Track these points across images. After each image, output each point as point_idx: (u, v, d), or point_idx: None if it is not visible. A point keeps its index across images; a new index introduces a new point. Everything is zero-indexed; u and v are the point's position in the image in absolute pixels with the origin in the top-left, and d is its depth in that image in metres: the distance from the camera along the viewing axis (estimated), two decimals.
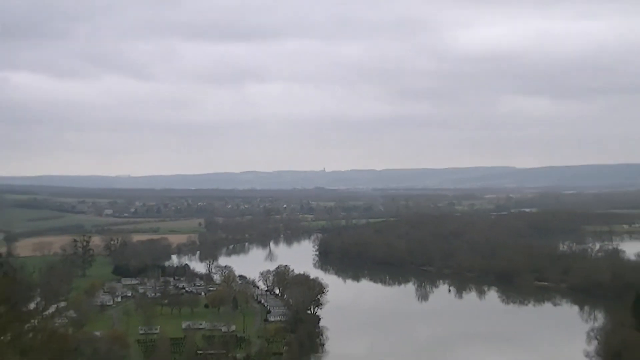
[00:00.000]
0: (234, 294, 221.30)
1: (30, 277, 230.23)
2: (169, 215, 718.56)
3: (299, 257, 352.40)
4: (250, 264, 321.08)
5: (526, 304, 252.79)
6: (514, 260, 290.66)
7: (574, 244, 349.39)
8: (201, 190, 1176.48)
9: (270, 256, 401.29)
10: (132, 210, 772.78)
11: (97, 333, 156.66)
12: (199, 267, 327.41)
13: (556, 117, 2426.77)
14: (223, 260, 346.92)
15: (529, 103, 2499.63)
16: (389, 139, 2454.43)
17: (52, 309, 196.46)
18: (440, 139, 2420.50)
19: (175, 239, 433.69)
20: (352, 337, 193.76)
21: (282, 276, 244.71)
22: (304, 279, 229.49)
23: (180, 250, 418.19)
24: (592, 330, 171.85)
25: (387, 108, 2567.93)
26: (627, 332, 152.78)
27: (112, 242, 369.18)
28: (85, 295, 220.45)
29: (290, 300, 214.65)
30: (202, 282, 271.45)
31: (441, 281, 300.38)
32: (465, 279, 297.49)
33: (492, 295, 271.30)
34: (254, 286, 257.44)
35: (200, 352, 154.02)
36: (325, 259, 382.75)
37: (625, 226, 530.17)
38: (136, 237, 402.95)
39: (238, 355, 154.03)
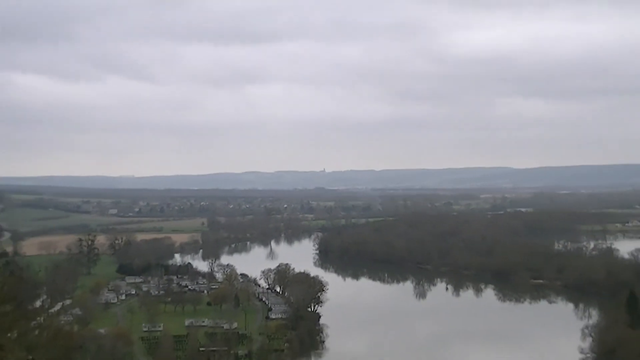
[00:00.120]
0: (235, 292, 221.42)
1: (36, 275, 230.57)
2: (172, 215, 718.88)
3: (300, 256, 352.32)
4: (252, 263, 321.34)
5: (522, 302, 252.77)
6: (510, 259, 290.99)
7: (569, 242, 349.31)
8: (203, 190, 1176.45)
9: (271, 255, 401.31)
10: (136, 210, 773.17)
11: (102, 330, 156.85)
12: (202, 265, 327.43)
13: (553, 118, 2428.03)
14: (225, 259, 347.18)
15: (526, 104, 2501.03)
16: (388, 140, 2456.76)
17: (57, 306, 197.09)
18: (438, 140, 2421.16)
19: (178, 238, 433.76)
20: (351, 334, 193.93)
21: (283, 274, 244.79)
22: (304, 277, 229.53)
23: (183, 249, 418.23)
24: (587, 327, 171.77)
25: (386, 109, 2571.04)
26: (621, 329, 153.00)
27: (116, 242, 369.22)
28: (90, 294, 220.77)
29: (291, 298, 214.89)
30: (204, 281, 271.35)
31: (439, 279, 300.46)
32: (462, 277, 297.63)
33: (489, 293, 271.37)
34: (255, 284, 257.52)
35: (203, 349, 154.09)
36: (325, 258, 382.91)
37: (619, 225, 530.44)
38: (140, 237, 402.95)
39: (240, 352, 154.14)
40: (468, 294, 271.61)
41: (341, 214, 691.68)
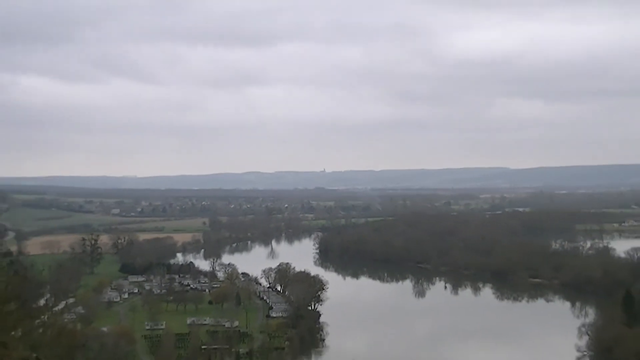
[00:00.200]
0: (237, 291, 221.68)
1: (40, 274, 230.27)
2: (174, 215, 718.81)
3: (300, 255, 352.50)
4: (253, 262, 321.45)
5: (520, 300, 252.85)
6: (508, 258, 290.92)
7: (566, 242, 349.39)
8: (205, 190, 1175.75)
9: (272, 254, 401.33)
10: (139, 209, 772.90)
11: (105, 329, 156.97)
12: (203, 264, 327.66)
13: (552, 119, 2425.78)
14: (226, 258, 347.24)
15: (523, 106, 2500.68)
16: (387, 141, 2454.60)
17: (61, 305, 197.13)
18: (437, 140, 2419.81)
19: (180, 238, 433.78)
20: (351, 332, 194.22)
21: (283, 273, 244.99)
22: (304, 276, 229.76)
23: (185, 249, 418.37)
24: (584, 325, 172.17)
25: (385, 110, 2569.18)
26: (618, 327, 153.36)
27: (119, 241, 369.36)
28: (93, 292, 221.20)
29: (292, 297, 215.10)
30: (206, 280, 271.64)
31: (438, 278, 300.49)
32: (461, 276, 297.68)
33: (487, 291, 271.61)
34: (256, 283, 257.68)
35: (205, 347, 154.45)
36: (325, 257, 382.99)
37: (616, 225, 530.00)
38: (142, 236, 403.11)
39: (241, 350, 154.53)
40: (467, 292, 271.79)
41: (341, 213, 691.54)
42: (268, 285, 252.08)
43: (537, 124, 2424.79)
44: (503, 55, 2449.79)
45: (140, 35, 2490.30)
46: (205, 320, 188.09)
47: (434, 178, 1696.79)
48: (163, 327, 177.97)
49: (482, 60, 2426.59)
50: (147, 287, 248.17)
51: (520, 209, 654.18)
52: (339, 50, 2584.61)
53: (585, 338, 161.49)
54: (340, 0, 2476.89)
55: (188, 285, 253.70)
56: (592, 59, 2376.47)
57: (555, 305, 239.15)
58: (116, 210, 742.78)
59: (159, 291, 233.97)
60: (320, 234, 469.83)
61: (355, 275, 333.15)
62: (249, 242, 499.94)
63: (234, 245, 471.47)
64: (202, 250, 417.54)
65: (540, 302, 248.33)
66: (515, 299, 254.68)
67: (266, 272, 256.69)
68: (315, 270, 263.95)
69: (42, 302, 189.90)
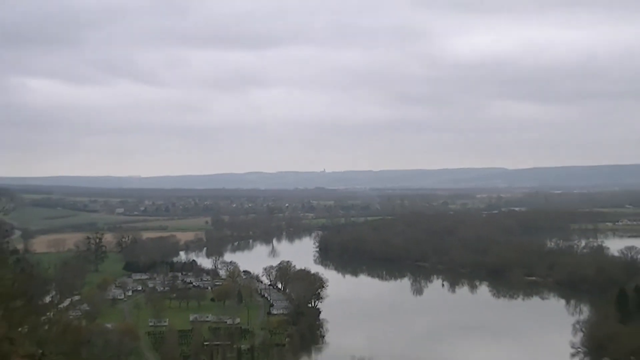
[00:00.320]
0: (238, 289, 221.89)
1: (45, 272, 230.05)
2: (177, 214, 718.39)
3: (301, 254, 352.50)
4: (254, 260, 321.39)
5: (516, 298, 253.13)
6: (505, 257, 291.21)
7: (561, 241, 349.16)
8: (207, 190, 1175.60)
9: (273, 252, 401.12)
10: (142, 209, 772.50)
11: (109, 325, 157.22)
12: (206, 263, 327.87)
13: (547, 120, 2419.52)
14: (228, 257, 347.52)
15: (520, 107, 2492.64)
16: (386, 142, 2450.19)
17: (66, 302, 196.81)
18: (435, 141, 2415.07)
19: (183, 237, 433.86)
20: (351, 329, 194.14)
21: (284, 271, 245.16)
22: (305, 274, 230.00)
23: (187, 247, 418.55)
24: (578, 322, 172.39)
25: (384, 112, 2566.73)
26: (611, 324, 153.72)
27: (123, 240, 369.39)
28: (98, 290, 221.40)
29: (292, 294, 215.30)
30: (208, 277, 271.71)
31: (435, 276, 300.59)
32: (458, 274, 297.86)
33: (484, 289, 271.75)
34: (257, 281, 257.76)
35: (207, 343, 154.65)
36: (325, 255, 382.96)
37: (610, 224, 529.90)
38: (146, 235, 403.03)
39: (242, 347, 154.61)
40: (464, 290, 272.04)
41: (341, 213, 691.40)
42: (269, 283, 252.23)
43: (532, 125, 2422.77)
44: (499, 57, 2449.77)
45: (143, 38, 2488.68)
46: (207, 317, 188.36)
47: (432, 178, 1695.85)
48: (166, 323, 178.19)
49: (479, 63, 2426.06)
50: (151, 285, 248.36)
51: (516, 209, 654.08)
52: (339, 52, 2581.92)
53: (580, 335, 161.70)
54: (341, 3, 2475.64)
55: (191, 282, 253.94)
56: (585, 62, 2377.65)
57: (550, 303, 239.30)
58: (120, 210, 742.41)
59: (162, 289, 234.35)
60: (320, 232, 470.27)
61: (355, 273, 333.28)
62: (251, 240, 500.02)
63: (236, 243, 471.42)
64: (205, 248, 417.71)
65: (536, 299, 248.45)
66: (511, 297, 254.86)
67: (267, 270, 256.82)
68: (316, 269, 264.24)
69: (47, 299, 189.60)
